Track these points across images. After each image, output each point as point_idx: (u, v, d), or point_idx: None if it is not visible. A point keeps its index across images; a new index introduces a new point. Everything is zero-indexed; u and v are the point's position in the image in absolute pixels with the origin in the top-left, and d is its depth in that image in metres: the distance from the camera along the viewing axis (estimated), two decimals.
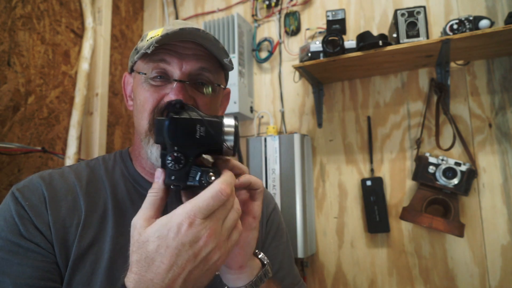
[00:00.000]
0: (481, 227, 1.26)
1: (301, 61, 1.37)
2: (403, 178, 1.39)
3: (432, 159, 1.29)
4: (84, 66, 1.50)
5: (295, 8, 1.65)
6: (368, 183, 1.40)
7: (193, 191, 0.47)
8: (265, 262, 0.57)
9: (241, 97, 1.55)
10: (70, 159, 1.39)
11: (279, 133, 1.61)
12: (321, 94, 1.54)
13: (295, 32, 1.63)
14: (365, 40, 1.23)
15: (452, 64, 1.35)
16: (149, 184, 0.67)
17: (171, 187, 0.47)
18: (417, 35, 1.19)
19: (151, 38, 0.61)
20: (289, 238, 0.83)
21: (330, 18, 1.35)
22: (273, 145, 1.44)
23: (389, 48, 1.18)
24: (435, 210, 1.32)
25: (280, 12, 1.67)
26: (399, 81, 1.45)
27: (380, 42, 1.19)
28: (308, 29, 1.60)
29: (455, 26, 1.16)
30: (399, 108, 1.43)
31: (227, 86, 0.74)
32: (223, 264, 0.44)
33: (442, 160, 1.27)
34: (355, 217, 1.45)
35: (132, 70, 0.68)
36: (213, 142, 0.47)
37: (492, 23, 1.13)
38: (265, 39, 1.68)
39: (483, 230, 1.26)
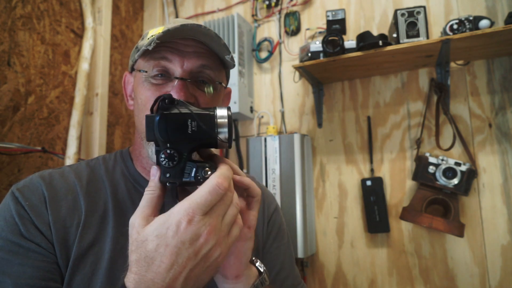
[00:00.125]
0: (481, 227, 1.26)
1: (301, 61, 1.37)
2: (403, 178, 1.39)
3: (432, 159, 1.29)
4: (84, 66, 1.50)
5: (295, 8, 1.65)
6: (368, 183, 1.40)
7: (190, 188, 0.46)
8: (262, 270, 0.56)
9: (241, 97, 1.55)
10: (70, 159, 1.39)
11: (279, 133, 1.61)
12: (321, 94, 1.54)
13: (295, 32, 1.63)
14: (365, 40, 1.23)
15: (452, 64, 1.35)
16: None
17: (167, 184, 0.46)
18: (417, 35, 1.19)
19: (152, 36, 0.61)
20: (290, 238, 0.83)
21: (330, 18, 1.35)
22: (273, 145, 1.44)
23: (389, 48, 1.18)
24: (435, 210, 1.32)
25: (280, 12, 1.67)
26: (399, 81, 1.45)
27: (380, 42, 1.19)
28: (308, 29, 1.60)
29: (455, 26, 1.16)
30: (399, 108, 1.43)
31: (228, 86, 0.74)
32: (223, 260, 0.43)
33: (442, 160, 1.27)
34: (355, 217, 1.45)
35: (132, 69, 0.67)
36: (206, 136, 0.46)
37: (492, 23, 1.13)
38: (265, 39, 1.68)
39: (483, 230, 1.26)
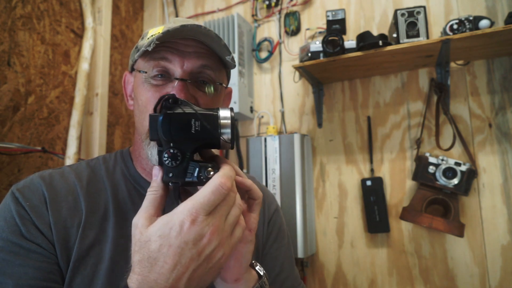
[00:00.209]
0: (481, 227, 1.26)
1: (301, 61, 1.37)
2: (403, 178, 1.39)
3: (432, 159, 1.29)
4: (84, 66, 1.50)
5: (295, 8, 1.65)
6: (368, 183, 1.40)
7: (193, 188, 0.46)
8: (261, 274, 0.55)
9: (241, 97, 1.55)
10: (70, 159, 1.39)
11: (279, 133, 1.61)
12: (321, 94, 1.54)
13: (295, 32, 1.63)
14: (365, 40, 1.23)
15: (452, 64, 1.35)
16: (150, 184, 0.66)
17: (170, 184, 0.46)
18: (417, 35, 1.19)
19: (152, 36, 0.60)
20: (290, 239, 0.83)
21: (330, 18, 1.35)
22: (273, 145, 1.44)
23: (389, 48, 1.18)
24: (435, 210, 1.32)
25: (280, 12, 1.67)
26: (399, 81, 1.45)
27: (380, 42, 1.19)
28: (308, 29, 1.60)
29: (455, 26, 1.16)
30: (399, 108, 1.43)
31: (228, 86, 0.73)
32: (226, 261, 0.43)
33: (442, 160, 1.27)
34: (355, 217, 1.45)
35: (132, 69, 0.67)
36: (210, 136, 0.45)
37: (492, 23, 1.13)
38: (265, 39, 1.68)
39: (483, 230, 1.26)
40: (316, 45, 1.31)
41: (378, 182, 1.39)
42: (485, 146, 1.29)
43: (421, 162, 1.30)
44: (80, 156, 1.46)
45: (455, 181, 1.24)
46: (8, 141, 1.23)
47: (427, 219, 1.24)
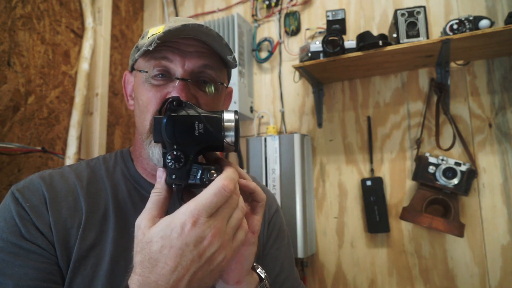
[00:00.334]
0: (481, 227, 1.26)
1: (301, 61, 1.37)
2: (403, 178, 1.39)
3: (432, 159, 1.29)
4: (84, 66, 1.50)
5: (295, 8, 1.65)
6: (368, 183, 1.40)
7: (196, 190, 0.46)
8: (263, 277, 0.55)
9: (241, 97, 1.55)
10: (70, 159, 1.39)
11: (279, 133, 1.61)
12: (321, 94, 1.54)
13: (295, 32, 1.63)
14: (365, 40, 1.23)
15: (452, 64, 1.35)
16: (150, 185, 0.66)
17: (173, 186, 0.46)
18: (417, 35, 1.19)
19: (153, 35, 0.60)
20: (290, 239, 0.83)
21: (330, 18, 1.35)
22: (273, 145, 1.44)
23: (389, 48, 1.18)
24: (435, 210, 1.32)
25: (280, 12, 1.67)
26: (399, 81, 1.45)
27: (380, 42, 1.19)
28: (308, 29, 1.60)
29: (455, 26, 1.16)
30: (399, 108, 1.43)
31: (229, 85, 0.73)
32: (228, 264, 0.43)
33: (442, 160, 1.27)
34: (355, 217, 1.45)
35: (132, 69, 0.67)
36: (213, 139, 0.46)
37: (492, 23, 1.13)
38: (265, 39, 1.68)
39: (483, 230, 1.26)
40: (316, 45, 1.31)
41: (378, 182, 1.39)
42: (485, 146, 1.29)
43: (421, 162, 1.30)
44: (80, 156, 1.46)
45: (455, 181, 1.24)
46: (8, 141, 1.23)
47: (427, 219, 1.24)
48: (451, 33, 1.16)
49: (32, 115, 1.33)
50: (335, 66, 1.32)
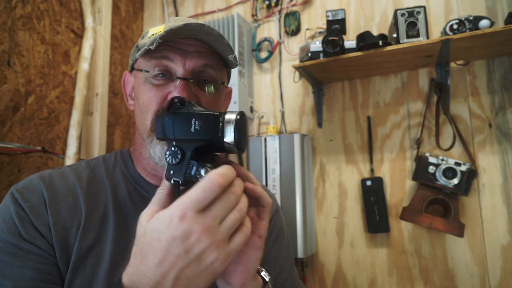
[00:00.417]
0: (481, 227, 1.26)
1: (301, 61, 1.37)
2: (403, 178, 1.39)
3: (432, 159, 1.29)
4: (84, 66, 1.50)
5: (295, 8, 1.65)
6: (368, 183, 1.40)
7: (190, 186, 0.46)
8: (267, 280, 0.55)
9: (241, 97, 1.55)
10: (70, 159, 1.39)
11: (279, 133, 1.61)
12: (321, 94, 1.54)
13: (295, 32, 1.63)
14: (365, 40, 1.23)
15: (452, 64, 1.35)
16: (150, 185, 0.66)
17: (172, 182, 0.46)
18: (417, 35, 1.19)
19: (153, 34, 0.60)
20: (290, 240, 0.83)
21: (330, 18, 1.35)
22: (273, 145, 1.44)
23: (389, 48, 1.18)
24: (435, 210, 1.32)
25: (280, 12, 1.67)
26: (399, 81, 1.45)
27: (380, 42, 1.19)
28: (308, 29, 1.60)
29: (455, 26, 1.16)
30: (399, 108, 1.43)
31: (228, 85, 0.73)
32: (223, 268, 0.40)
33: (442, 160, 1.27)
34: (355, 217, 1.45)
35: (132, 69, 0.67)
36: (208, 136, 0.46)
37: (492, 23, 1.13)
38: (265, 39, 1.68)
39: (483, 230, 1.26)
40: (316, 45, 1.31)
41: (378, 182, 1.39)
42: (485, 146, 1.29)
43: (421, 162, 1.30)
44: (80, 156, 1.46)
45: (455, 181, 1.24)
46: (8, 141, 1.23)
47: (427, 219, 1.24)
48: (451, 33, 1.16)
49: (32, 115, 1.33)
50: (335, 66, 1.32)
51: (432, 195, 1.28)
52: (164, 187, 0.46)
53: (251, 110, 1.65)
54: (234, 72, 1.54)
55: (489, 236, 1.25)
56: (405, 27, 1.20)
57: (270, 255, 0.74)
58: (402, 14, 1.21)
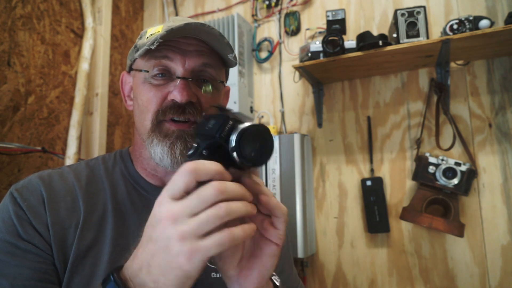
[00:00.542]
0: (481, 227, 1.26)
1: (301, 61, 1.37)
2: (403, 178, 1.39)
3: (432, 159, 1.29)
4: (84, 66, 1.50)
5: (295, 8, 1.65)
6: (368, 183, 1.40)
7: None
8: (278, 285, 0.55)
9: (241, 97, 1.55)
10: (70, 159, 1.39)
11: (279, 133, 1.61)
12: (321, 94, 1.54)
13: (295, 32, 1.63)
14: (365, 40, 1.23)
15: (452, 64, 1.35)
16: (150, 185, 0.66)
17: None
18: (417, 35, 1.19)
19: (152, 35, 0.60)
20: (290, 240, 0.83)
21: (330, 18, 1.35)
22: None
23: (389, 48, 1.18)
24: (435, 210, 1.32)
25: (280, 12, 1.67)
26: (399, 81, 1.45)
27: (380, 42, 1.19)
28: (308, 29, 1.60)
29: (455, 26, 1.16)
30: (399, 108, 1.43)
31: (227, 85, 0.74)
32: (189, 265, 0.37)
33: (442, 160, 1.27)
34: (355, 217, 1.45)
35: (131, 69, 0.67)
36: (213, 136, 0.44)
37: (492, 23, 1.13)
38: (265, 39, 1.68)
39: (483, 230, 1.26)
40: (316, 45, 1.31)
41: (378, 182, 1.39)
42: (485, 146, 1.29)
43: (421, 162, 1.30)
44: (80, 156, 1.46)
45: (455, 181, 1.24)
46: (8, 141, 1.23)
47: (427, 219, 1.24)
48: (451, 33, 1.16)
49: (32, 115, 1.33)
50: (335, 66, 1.32)
51: (432, 195, 1.28)
52: None
53: (251, 110, 1.65)
54: (234, 72, 1.54)
55: (489, 236, 1.25)
56: (405, 27, 1.20)
57: None
58: (402, 14, 1.21)
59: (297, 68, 1.34)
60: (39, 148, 1.32)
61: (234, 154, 0.42)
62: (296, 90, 1.62)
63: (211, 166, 0.39)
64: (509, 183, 1.25)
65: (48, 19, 1.42)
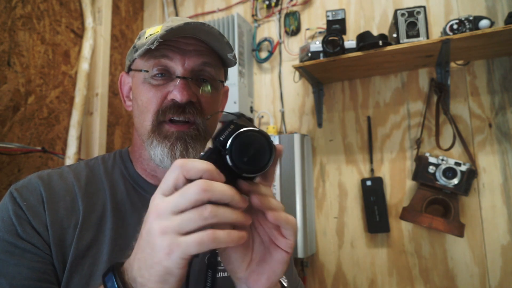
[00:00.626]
0: (481, 227, 1.26)
1: (301, 61, 1.37)
2: (403, 178, 1.39)
3: (432, 159, 1.29)
4: (84, 66, 1.50)
5: (295, 8, 1.65)
6: (368, 183, 1.40)
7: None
8: (285, 286, 0.55)
9: (241, 97, 1.55)
10: (70, 159, 1.39)
11: (279, 133, 1.61)
12: (321, 94, 1.54)
13: (295, 32, 1.63)
14: (365, 40, 1.23)
15: (452, 64, 1.35)
16: (150, 185, 0.66)
17: None
18: (417, 35, 1.19)
19: (151, 35, 0.60)
20: None
21: (330, 18, 1.35)
22: None
23: (389, 48, 1.18)
24: (435, 210, 1.32)
25: (280, 12, 1.67)
26: (399, 81, 1.45)
27: (380, 42, 1.19)
28: (308, 29, 1.60)
29: (455, 26, 1.16)
30: (399, 108, 1.43)
31: (227, 85, 0.74)
32: (168, 260, 0.37)
33: (442, 160, 1.27)
34: (355, 217, 1.45)
35: (129, 69, 0.67)
36: (215, 137, 0.44)
37: (492, 23, 1.13)
38: (265, 39, 1.68)
39: (483, 230, 1.26)
40: (316, 45, 1.31)
41: (378, 182, 1.39)
42: (485, 146, 1.29)
43: (421, 162, 1.30)
44: (80, 156, 1.46)
45: (455, 181, 1.24)
46: (8, 141, 1.23)
47: (427, 219, 1.24)
48: (451, 33, 1.16)
49: (32, 115, 1.33)
50: (335, 66, 1.32)
51: (432, 195, 1.28)
52: None
53: (251, 110, 1.65)
54: (234, 72, 1.54)
55: (489, 236, 1.25)
56: (405, 27, 1.20)
57: None
58: (402, 14, 1.21)
59: (297, 68, 1.34)
60: (39, 148, 1.32)
61: (227, 158, 0.41)
62: (296, 90, 1.62)
63: (200, 163, 0.39)
64: (509, 183, 1.25)
65: (48, 19, 1.42)
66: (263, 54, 1.70)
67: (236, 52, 1.57)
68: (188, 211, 0.37)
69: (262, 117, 1.67)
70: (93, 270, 0.56)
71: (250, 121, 0.45)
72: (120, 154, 0.70)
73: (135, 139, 0.68)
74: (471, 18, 1.15)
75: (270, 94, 1.67)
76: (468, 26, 1.15)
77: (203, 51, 0.61)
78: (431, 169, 1.28)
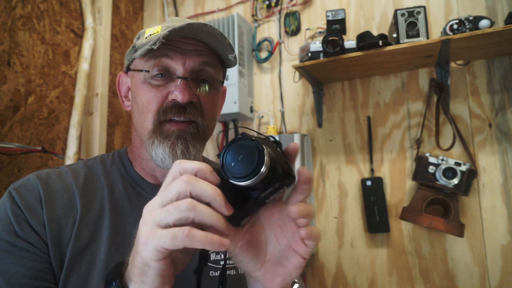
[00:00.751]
0: (481, 227, 1.26)
1: (301, 61, 1.37)
2: (403, 178, 1.39)
3: (432, 159, 1.29)
4: (84, 66, 1.50)
5: (295, 8, 1.65)
6: (368, 183, 1.40)
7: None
8: (298, 286, 0.55)
9: (241, 97, 1.55)
10: (70, 159, 1.39)
11: (279, 133, 1.61)
12: (321, 94, 1.54)
13: (295, 32, 1.63)
14: (365, 40, 1.23)
15: (452, 64, 1.35)
16: (149, 184, 0.66)
17: None
18: (417, 35, 1.19)
19: (151, 35, 0.60)
20: None
21: (330, 18, 1.35)
22: None
23: (389, 48, 1.18)
24: (435, 210, 1.32)
25: (280, 12, 1.67)
26: (399, 81, 1.45)
27: (380, 42, 1.19)
28: (308, 29, 1.60)
29: (455, 26, 1.16)
30: (399, 108, 1.43)
31: (226, 86, 0.74)
32: (145, 250, 0.37)
33: (442, 160, 1.27)
34: (355, 217, 1.45)
35: (128, 69, 0.66)
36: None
37: (492, 23, 1.13)
38: (265, 39, 1.68)
39: (483, 230, 1.26)
40: (316, 45, 1.31)
41: (378, 182, 1.39)
42: (485, 146, 1.29)
43: (421, 162, 1.30)
44: (80, 156, 1.46)
45: (455, 181, 1.24)
46: (8, 141, 1.23)
47: (427, 219, 1.24)
48: (451, 33, 1.16)
49: (32, 115, 1.33)
50: (335, 66, 1.32)
51: (432, 195, 1.28)
52: None
53: (251, 110, 1.65)
54: (234, 72, 1.54)
55: (489, 236, 1.25)
56: (405, 27, 1.20)
57: None
58: (402, 14, 1.21)
59: (297, 68, 1.34)
60: (39, 148, 1.32)
61: (220, 162, 0.41)
62: (296, 90, 1.62)
63: (196, 163, 0.40)
64: (509, 183, 1.25)
65: (48, 19, 1.42)
66: (263, 54, 1.70)
67: (236, 52, 1.56)
68: (169, 204, 0.38)
69: (262, 117, 1.67)
70: (91, 269, 0.56)
71: (267, 139, 0.44)
72: (119, 154, 0.71)
73: (134, 139, 0.68)
74: (471, 18, 1.15)
75: (270, 94, 1.67)
76: (468, 26, 1.15)
77: (203, 51, 0.61)
78: (431, 169, 1.28)
